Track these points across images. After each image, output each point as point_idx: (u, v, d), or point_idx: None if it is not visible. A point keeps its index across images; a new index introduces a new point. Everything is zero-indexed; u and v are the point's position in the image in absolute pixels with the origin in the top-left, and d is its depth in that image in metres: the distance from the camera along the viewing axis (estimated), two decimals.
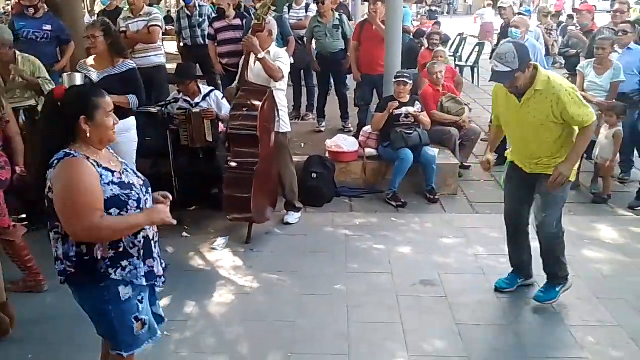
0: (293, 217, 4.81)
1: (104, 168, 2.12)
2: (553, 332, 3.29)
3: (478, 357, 3.06)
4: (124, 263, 2.15)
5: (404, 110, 5.27)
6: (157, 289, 2.43)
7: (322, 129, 6.87)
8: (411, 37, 8.90)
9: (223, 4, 6.27)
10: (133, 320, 2.21)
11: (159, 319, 2.45)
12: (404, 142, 5.14)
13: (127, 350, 2.25)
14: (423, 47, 8.12)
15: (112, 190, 2.09)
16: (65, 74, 3.77)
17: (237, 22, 6.22)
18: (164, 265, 2.37)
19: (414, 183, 5.35)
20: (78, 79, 3.56)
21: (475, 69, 10.97)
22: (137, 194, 2.17)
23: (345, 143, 5.54)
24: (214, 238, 4.49)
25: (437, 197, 5.22)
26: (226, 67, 6.26)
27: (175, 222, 2.22)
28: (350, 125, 6.84)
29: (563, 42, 7.21)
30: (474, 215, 5.03)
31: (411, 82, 5.39)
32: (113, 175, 2.13)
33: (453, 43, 12.72)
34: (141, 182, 2.27)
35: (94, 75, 4.01)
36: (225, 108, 4.83)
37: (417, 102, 5.41)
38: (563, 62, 8.20)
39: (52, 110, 2.14)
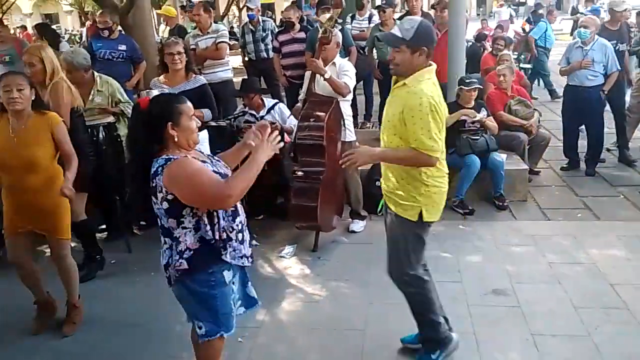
0: (358, 225, 4.83)
1: (202, 161, 2.31)
2: (635, 344, 3.14)
3: None
4: (232, 245, 2.34)
5: (470, 118, 5.18)
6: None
7: None
8: (473, 41, 8.79)
9: (292, 17, 6.42)
10: (232, 302, 2.40)
11: (252, 300, 2.60)
12: (470, 148, 5.06)
13: (227, 330, 2.43)
14: (485, 51, 7.99)
15: None
16: (143, 92, 3.97)
17: (302, 35, 6.34)
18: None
19: (481, 190, 5.24)
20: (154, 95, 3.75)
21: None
22: None
23: None
24: (282, 246, 4.57)
25: (506, 203, 5.09)
26: (290, 79, 6.38)
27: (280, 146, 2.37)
28: None
29: (636, 40, 6.89)
30: (545, 222, 4.88)
31: (481, 87, 5.30)
32: (212, 167, 2.33)
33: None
34: (229, 173, 2.43)
35: (167, 92, 4.20)
36: (289, 120, 4.93)
37: (482, 109, 5.31)
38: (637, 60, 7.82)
39: (140, 120, 2.31)
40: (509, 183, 5.19)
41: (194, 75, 4.37)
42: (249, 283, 2.60)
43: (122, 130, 4.63)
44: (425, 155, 2.66)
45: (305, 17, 6.86)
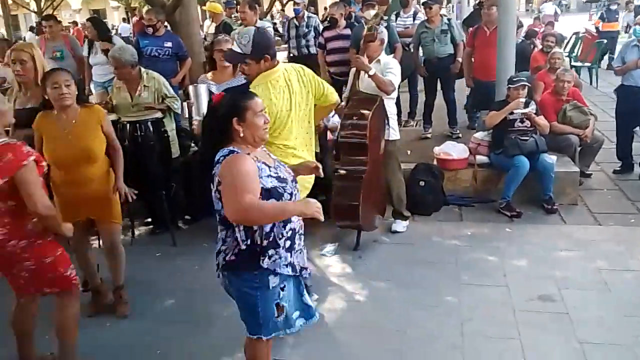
0: (401, 225, 4.78)
1: (262, 162, 2.34)
2: None
3: None
4: (271, 252, 2.33)
5: (518, 112, 5.03)
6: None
7: (429, 135, 6.77)
8: (523, 37, 8.56)
9: (336, 14, 6.41)
10: (274, 307, 2.39)
11: (311, 310, 2.58)
12: (518, 149, 4.92)
13: (267, 334, 2.45)
14: (535, 49, 7.78)
15: (271, 182, 2.30)
16: (190, 86, 4.03)
17: (347, 31, 6.32)
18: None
19: (529, 192, 5.07)
20: (203, 90, 3.81)
21: (594, 70, 10.30)
22: (291, 188, 2.38)
23: (454, 150, 5.41)
24: (323, 245, 4.56)
25: (555, 207, 4.93)
26: (333, 76, 6.35)
27: (323, 218, 2.32)
28: (458, 132, 6.69)
29: None
30: (595, 226, 4.71)
31: (529, 84, 5.14)
32: (270, 170, 2.35)
33: (568, 42, 12.04)
34: (291, 178, 2.45)
35: (214, 88, 4.26)
36: (333, 118, 4.90)
37: (531, 103, 5.14)
38: None
39: (210, 114, 2.39)
40: (558, 186, 5.03)
41: (239, 72, 4.41)
42: (305, 292, 2.56)
43: (169, 126, 4.71)
44: None
45: (353, 14, 6.82)
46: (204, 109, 3.87)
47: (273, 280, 2.35)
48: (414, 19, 7.31)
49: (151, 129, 4.51)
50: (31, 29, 18.87)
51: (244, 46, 2.94)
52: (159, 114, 4.58)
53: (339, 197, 4.32)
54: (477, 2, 7.28)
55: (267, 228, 2.31)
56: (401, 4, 7.54)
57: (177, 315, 3.70)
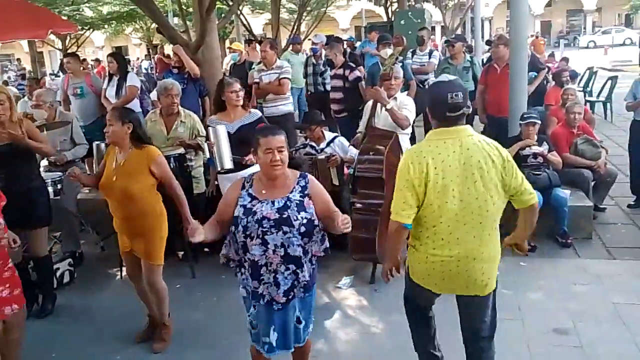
0: None
1: None
2: None
3: None
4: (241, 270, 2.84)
5: (531, 150, 5.13)
6: None
7: None
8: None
9: (330, 55, 6.88)
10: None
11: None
12: (531, 184, 4.98)
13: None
14: (548, 85, 7.90)
15: None
16: (210, 128, 4.14)
17: (340, 71, 6.66)
18: None
19: (543, 226, 5.07)
20: (222, 132, 3.94)
21: (608, 104, 10.37)
22: None
23: None
24: (339, 277, 4.63)
25: (569, 241, 4.97)
26: (334, 114, 6.63)
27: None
28: None
29: None
30: (611, 260, 4.73)
31: (539, 122, 5.25)
32: None
33: (582, 78, 12.15)
34: None
35: (229, 127, 4.39)
36: (351, 151, 5.04)
37: (544, 142, 5.25)
38: None
39: None
40: (573, 220, 5.07)
41: (250, 110, 4.54)
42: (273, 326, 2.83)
43: (199, 162, 4.88)
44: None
45: (348, 51, 7.19)
46: (226, 148, 3.95)
47: (241, 291, 2.79)
48: (429, 57, 7.51)
49: (175, 164, 4.68)
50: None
51: None
52: (181, 150, 4.76)
53: (356, 230, 4.39)
54: (485, 41, 7.49)
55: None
56: (417, 42, 7.76)
57: (200, 345, 3.78)
